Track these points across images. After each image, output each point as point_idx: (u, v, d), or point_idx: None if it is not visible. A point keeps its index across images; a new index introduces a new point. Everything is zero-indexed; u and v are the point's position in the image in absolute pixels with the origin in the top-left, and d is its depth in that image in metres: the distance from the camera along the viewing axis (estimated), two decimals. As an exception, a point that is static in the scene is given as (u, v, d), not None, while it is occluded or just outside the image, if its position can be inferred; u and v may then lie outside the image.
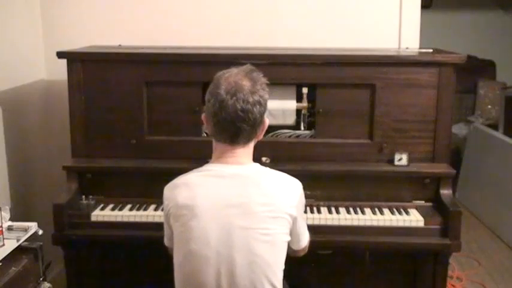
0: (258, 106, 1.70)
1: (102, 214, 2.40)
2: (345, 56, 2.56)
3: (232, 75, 1.72)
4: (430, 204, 2.48)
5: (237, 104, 1.67)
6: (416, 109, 2.48)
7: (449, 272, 2.91)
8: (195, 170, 1.78)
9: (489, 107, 5.66)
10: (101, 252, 2.57)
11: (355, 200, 2.49)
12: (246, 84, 1.70)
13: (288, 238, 1.76)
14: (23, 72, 2.90)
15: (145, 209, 2.42)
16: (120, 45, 2.88)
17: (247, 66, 1.77)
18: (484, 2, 6.12)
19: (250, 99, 1.69)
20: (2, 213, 2.03)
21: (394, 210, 2.43)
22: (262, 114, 1.74)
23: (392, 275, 2.60)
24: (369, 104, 2.49)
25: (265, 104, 1.75)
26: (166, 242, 1.88)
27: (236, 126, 1.70)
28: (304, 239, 1.90)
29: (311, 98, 2.53)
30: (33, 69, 3.00)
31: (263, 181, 1.75)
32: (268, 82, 1.77)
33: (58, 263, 2.67)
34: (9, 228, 2.11)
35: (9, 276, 1.93)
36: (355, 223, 2.36)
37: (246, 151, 1.78)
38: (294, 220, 1.77)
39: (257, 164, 1.80)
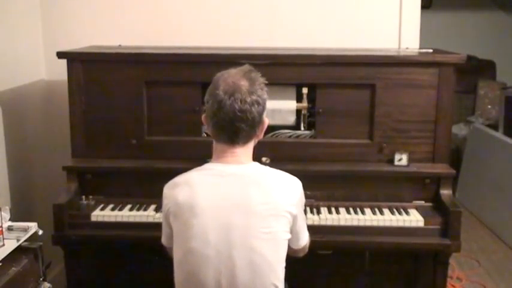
0: (256, 106, 1.71)
1: (102, 214, 2.40)
2: (345, 56, 2.56)
3: (231, 76, 1.73)
4: (430, 204, 2.48)
5: (235, 104, 1.68)
6: (416, 109, 2.48)
7: (449, 272, 2.91)
8: (195, 169, 1.78)
9: (489, 107, 5.66)
10: (101, 252, 2.57)
11: (355, 200, 2.49)
12: (244, 84, 1.71)
13: (289, 236, 1.76)
14: (23, 72, 2.90)
15: (145, 209, 2.42)
16: (120, 45, 2.88)
17: (246, 67, 1.78)
18: (484, 2, 6.12)
19: (248, 99, 1.70)
20: (2, 213, 2.03)
21: (394, 210, 2.43)
22: (260, 114, 1.74)
23: (392, 275, 2.60)
24: (369, 104, 2.49)
25: (264, 103, 1.75)
26: (163, 240, 1.88)
27: (235, 126, 1.71)
28: (304, 238, 1.90)
29: (311, 98, 2.53)
30: (33, 69, 3.00)
31: (263, 180, 1.75)
32: (267, 82, 1.78)
33: (58, 263, 2.67)
34: (9, 228, 2.11)
35: (9, 276, 1.93)
36: (355, 223, 2.36)
37: (246, 151, 1.78)
38: (294, 218, 1.77)
39: (257, 163, 1.80)
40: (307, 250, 1.97)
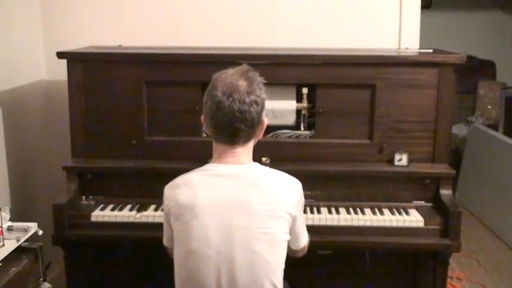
0: (255, 106, 1.71)
1: (102, 214, 2.40)
2: (345, 56, 2.56)
3: (229, 76, 1.73)
4: (430, 204, 2.48)
5: (234, 105, 1.68)
6: (416, 109, 2.48)
7: (449, 272, 2.91)
8: (195, 170, 1.78)
9: (489, 107, 5.66)
10: (101, 252, 2.57)
11: (355, 200, 2.49)
12: (242, 84, 1.70)
13: (288, 237, 1.76)
14: (23, 72, 2.90)
15: (145, 209, 2.41)
16: (120, 45, 2.88)
17: (244, 66, 1.78)
18: (484, 2, 6.12)
19: (247, 100, 1.69)
20: (2, 213, 2.03)
21: (394, 210, 2.43)
22: (259, 114, 1.74)
23: (393, 275, 2.60)
24: (369, 104, 2.49)
25: (263, 103, 1.75)
26: (165, 241, 1.88)
27: (234, 127, 1.70)
28: (303, 239, 1.90)
29: (311, 98, 2.53)
30: (33, 69, 3.00)
31: (263, 181, 1.75)
32: (265, 81, 1.77)
33: (58, 263, 2.67)
34: (9, 229, 2.11)
35: (9, 276, 1.94)
36: (355, 223, 2.36)
37: (246, 151, 1.78)
38: (294, 219, 1.77)
39: (257, 164, 1.80)
40: (306, 250, 1.97)
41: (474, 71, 5.66)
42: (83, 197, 2.47)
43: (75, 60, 2.49)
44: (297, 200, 1.77)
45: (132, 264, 2.60)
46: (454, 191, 2.56)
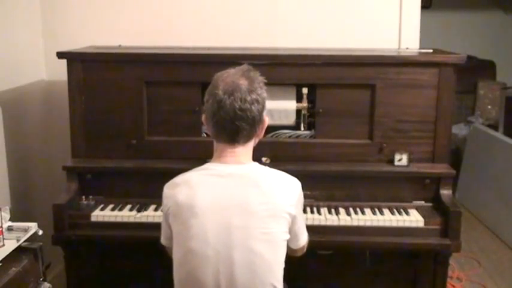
0: (256, 104, 1.72)
1: (102, 214, 2.40)
2: (345, 56, 2.56)
3: (230, 75, 1.74)
4: (430, 204, 2.48)
5: (235, 103, 1.69)
6: (416, 109, 2.48)
7: (449, 272, 2.91)
8: (195, 169, 1.78)
9: (489, 107, 5.66)
10: (101, 252, 2.57)
11: (355, 200, 2.49)
12: (243, 83, 1.71)
13: (287, 236, 1.76)
14: (23, 72, 2.90)
15: (145, 209, 2.42)
16: (120, 45, 2.88)
17: (245, 66, 1.79)
18: (484, 2, 6.12)
19: (248, 98, 1.70)
20: (2, 213, 2.03)
21: (394, 210, 2.43)
22: (260, 113, 1.75)
23: (392, 275, 2.60)
24: (369, 104, 2.49)
25: (264, 102, 1.75)
26: (162, 240, 1.88)
27: (235, 125, 1.71)
28: (303, 239, 1.90)
29: (311, 98, 2.53)
30: (33, 69, 3.00)
31: (262, 180, 1.75)
32: (265, 81, 1.78)
33: (58, 263, 2.67)
34: (9, 229, 2.11)
35: (9, 276, 1.93)
36: (355, 223, 2.36)
37: (246, 150, 1.78)
38: (293, 219, 1.77)
39: (256, 163, 1.80)
40: (305, 250, 1.97)
41: (474, 71, 5.66)
42: (83, 197, 2.47)
43: (75, 60, 2.49)
44: (297, 199, 1.77)
45: (132, 264, 2.60)
46: (454, 191, 2.56)
